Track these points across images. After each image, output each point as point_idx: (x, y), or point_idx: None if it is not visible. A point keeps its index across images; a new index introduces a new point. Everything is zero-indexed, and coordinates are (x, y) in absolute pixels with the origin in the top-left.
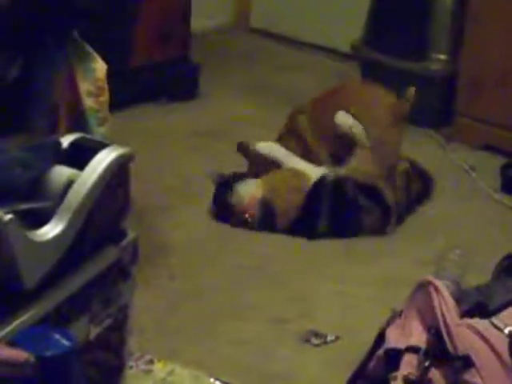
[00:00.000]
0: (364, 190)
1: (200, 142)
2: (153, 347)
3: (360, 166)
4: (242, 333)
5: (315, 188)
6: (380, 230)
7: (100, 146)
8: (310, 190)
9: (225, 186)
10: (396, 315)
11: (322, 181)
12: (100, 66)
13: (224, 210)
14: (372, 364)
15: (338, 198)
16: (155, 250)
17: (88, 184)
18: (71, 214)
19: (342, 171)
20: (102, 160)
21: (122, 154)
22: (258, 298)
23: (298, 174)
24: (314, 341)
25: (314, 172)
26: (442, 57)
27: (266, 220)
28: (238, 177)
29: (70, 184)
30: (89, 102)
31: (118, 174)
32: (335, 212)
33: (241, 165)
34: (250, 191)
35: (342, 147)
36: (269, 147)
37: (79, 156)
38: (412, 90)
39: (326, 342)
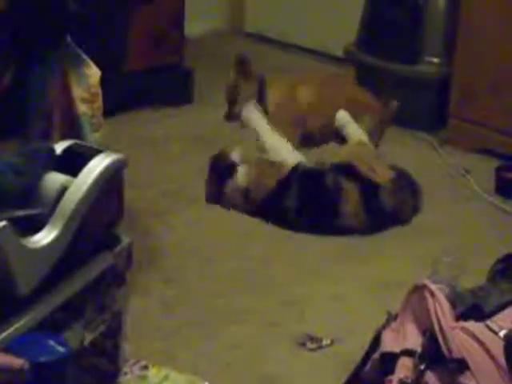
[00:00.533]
0: (343, 171)
1: (194, 146)
2: (148, 352)
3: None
4: (237, 336)
5: (288, 176)
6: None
7: (93, 152)
8: (282, 177)
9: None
10: (391, 319)
11: (295, 169)
12: (94, 72)
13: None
14: (367, 368)
15: (312, 186)
16: (150, 254)
17: (82, 190)
18: (65, 221)
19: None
20: (96, 166)
21: (116, 160)
22: (253, 302)
23: (275, 164)
24: (310, 345)
25: (291, 159)
26: (436, 60)
27: (245, 204)
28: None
29: (63, 190)
30: (83, 108)
31: (112, 180)
32: (306, 199)
33: None
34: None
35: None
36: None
37: (73, 162)
38: (395, 103)
39: (321, 346)
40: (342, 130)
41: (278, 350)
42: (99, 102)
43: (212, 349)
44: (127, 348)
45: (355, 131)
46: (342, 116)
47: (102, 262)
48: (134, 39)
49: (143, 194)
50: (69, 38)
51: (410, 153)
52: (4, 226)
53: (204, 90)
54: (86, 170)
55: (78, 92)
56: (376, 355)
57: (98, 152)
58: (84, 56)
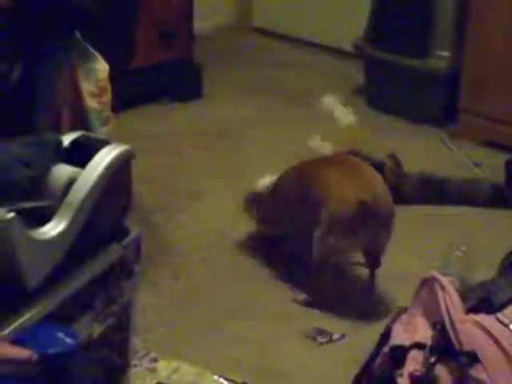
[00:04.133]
0: None
1: (204, 141)
2: (157, 346)
3: None
4: (247, 331)
5: None
6: None
7: (101, 143)
8: None
9: None
10: (401, 312)
11: None
12: (102, 67)
13: None
14: (378, 361)
15: None
16: (159, 249)
17: (89, 182)
18: (73, 212)
19: None
20: (104, 158)
21: (123, 152)
22: (262, 296)
23: None
24: (320, 339)
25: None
26: (445, 54)
27: None
28: None
29: (71, 182)
30: (91, 103)
31: (120, 171)
32: None
33: (243, 165)
34: None
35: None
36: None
37: (80, 154)
38: None
39: (331, 340)
40: (331, 113)
41: (289, 344)
42: (108, 97)
43: (221, 343)
44: (136, 341)
45: (343, 113)
46: (328, 100)
47: (110, 254)
48: (143, 35)
49: (152, 189)
50: (77, 33)
51: (420, 147)
52: (12, 218)
53: (213, 86)
54: (93, 161)
55: (86, 86)
56: (386, 349)
57: (105, 143)
58: (92, 50)
